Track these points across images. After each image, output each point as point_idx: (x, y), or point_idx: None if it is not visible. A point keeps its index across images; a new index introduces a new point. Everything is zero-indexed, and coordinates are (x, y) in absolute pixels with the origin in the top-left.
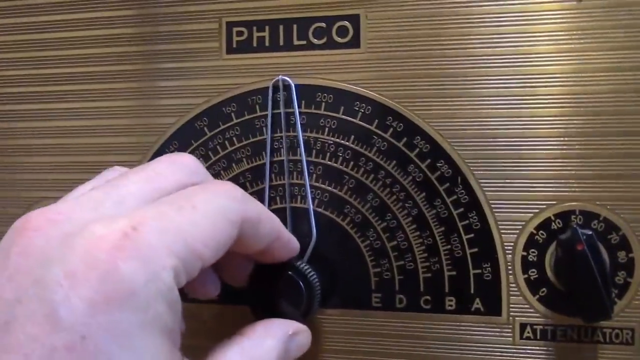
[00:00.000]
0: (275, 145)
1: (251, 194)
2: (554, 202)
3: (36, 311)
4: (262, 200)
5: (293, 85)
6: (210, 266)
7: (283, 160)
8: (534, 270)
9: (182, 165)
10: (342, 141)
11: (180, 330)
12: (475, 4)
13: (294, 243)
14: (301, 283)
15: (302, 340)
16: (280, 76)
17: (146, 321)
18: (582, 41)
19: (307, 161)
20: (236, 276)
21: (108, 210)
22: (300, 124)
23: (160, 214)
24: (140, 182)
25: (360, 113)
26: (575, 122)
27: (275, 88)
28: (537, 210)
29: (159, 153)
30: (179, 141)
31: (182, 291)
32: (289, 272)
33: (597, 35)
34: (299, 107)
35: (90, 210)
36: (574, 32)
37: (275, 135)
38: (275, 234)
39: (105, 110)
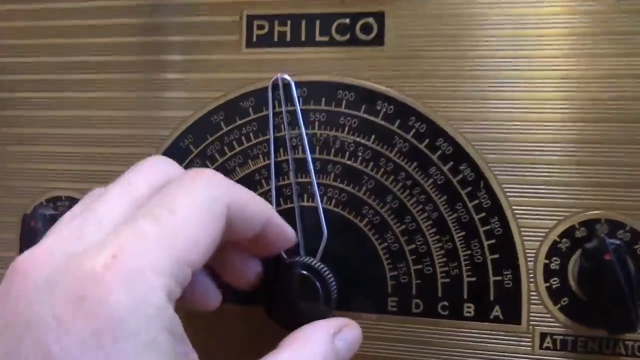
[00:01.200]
0: (294, 142)
1: (266, 192)
2: (579, 210)
3: (31, 356)
4: (270, 199)
5: (292, 82)
6: (210, 272)
7: (294, 158)
8: (555, 279)
9: (150, 166)
10: (363, 140)
11: (185, 347)
12: (499, 4)
13: (288, 229)
14: (315, 280)
15: (350, 336)
16: (279, 74)
17: (141, 347)
18: (607, 46)
19: (324, 160)
20: (240, 277)
21: (90, 237)
22: (320, 121)
23: (138, 232)
24: (115, 199)
25: (382, 112)
26: (602, 129)
27: (278, 86)
28: (561, 218)
29: (173, 146)
30: (194, 135)
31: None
32: (301, 271)
33: (623, 40)
34: (319, 104)
35: (74, 241)
36: (599, 37)
37: (293, 132)
38: (265, 215)
39: (119, 101)
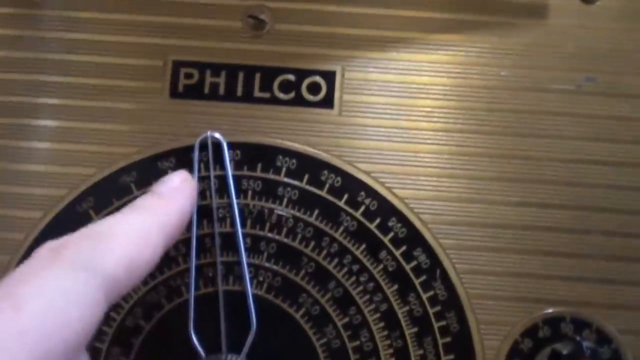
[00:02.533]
0: (221, 213)
1: (183, 272)
2: (543, 305)
3: None
4: (187, 281)
5: (225, 143)
6: None
7: (220, 232)
8: None
9: None
10: (304, 216)
11: None
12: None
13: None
14: None
15: None
16: (209, 132)
17: None
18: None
19: (256, 235)
20: None
21: None
22: (254, 190)
23: None
24: None
25: (328, 184)
26: (568, 216)
27: (206, 146)
28: (524, 314)
29: (68, 210)
30: (96, 197)
31: None
32: None
33: None
34: (254, 170)
35: None
36: None
37: (221, 201)
38: (162, 245)
39: None
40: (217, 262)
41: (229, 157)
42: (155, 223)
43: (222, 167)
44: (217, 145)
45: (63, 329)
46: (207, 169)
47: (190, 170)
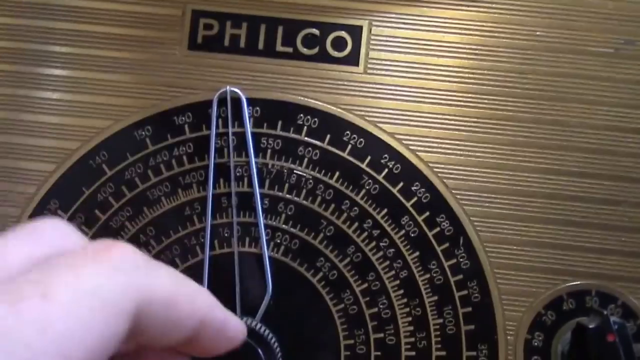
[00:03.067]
0: (238, 172)
1: (198, 231)
2: (568, 278)
3: None
4: (203, 241)
5: (244, 98)
6: None
7: (237, 192)
8: (537, 357)
9: (38, 230)
10: (324, 177)
11: None
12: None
13: (235, 328)
14: (256, 346)
15: None
16: (228, 87)
17: None
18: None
19: (274, 196)
20: None
21: None
22: (274, 149)
23: None
24: None
25: (350, 145)
26: (599, 186)
27: (225, 101)
28: (548, 286)
29: (80, 163)
30: (110, 151)
31: None
32: None
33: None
34: (274, 128)
35: None
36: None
37: (239, 160)
38: (199, 316)
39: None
40: (233, 223)
41: (248, 113)
42: (206, 297)
43: (241, 124)
44: (236, 100)
45: (80, 337)
46: (225, 125)
47: (209, 127)
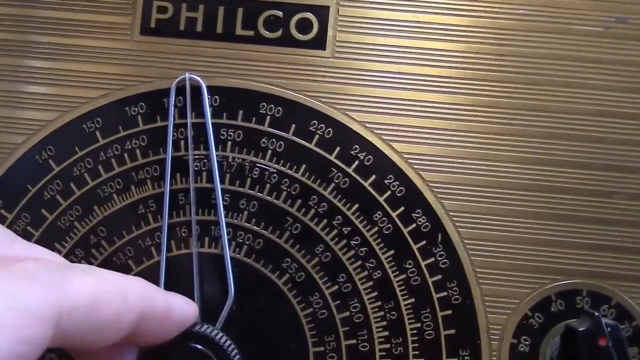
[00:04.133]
0: (197, 166)
1: (153, 231)
2: (557, 278)
3: None
4: (159, 242)
5: (205, 87)
6: None
7: (196, 188)
8: None
9: None
10: (289, 171)
11: None
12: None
13: (181, 311)
14: (213, 356)
15: None
16: (187, 73)
17: None
18: None
19: (236, 192)
20: None
21: None
22: (235, 141)
23: None
24: None
25: (318, 136)
26: (589, 177)
27: (182, 89)
28: (535, 286)
29: (25, 159)
30: (56, 146)
31: None
32: (195, 345)
33: None
34: (235, 118)
35: None
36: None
37: (197, 153)
38: (134, 311)
39: None
40: (192, 221)
41: (208, 102)
42: (138, 289)
43: (199, 114)
44: (194, 89)
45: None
46: (181, 116)
47: (163, 117)
